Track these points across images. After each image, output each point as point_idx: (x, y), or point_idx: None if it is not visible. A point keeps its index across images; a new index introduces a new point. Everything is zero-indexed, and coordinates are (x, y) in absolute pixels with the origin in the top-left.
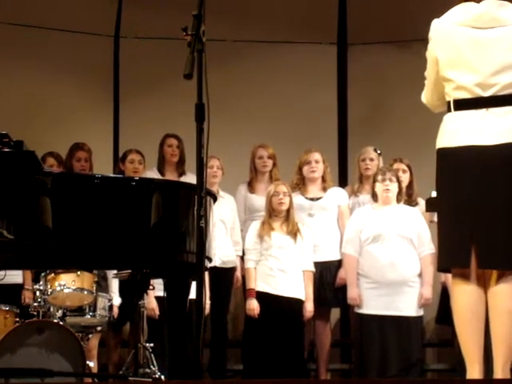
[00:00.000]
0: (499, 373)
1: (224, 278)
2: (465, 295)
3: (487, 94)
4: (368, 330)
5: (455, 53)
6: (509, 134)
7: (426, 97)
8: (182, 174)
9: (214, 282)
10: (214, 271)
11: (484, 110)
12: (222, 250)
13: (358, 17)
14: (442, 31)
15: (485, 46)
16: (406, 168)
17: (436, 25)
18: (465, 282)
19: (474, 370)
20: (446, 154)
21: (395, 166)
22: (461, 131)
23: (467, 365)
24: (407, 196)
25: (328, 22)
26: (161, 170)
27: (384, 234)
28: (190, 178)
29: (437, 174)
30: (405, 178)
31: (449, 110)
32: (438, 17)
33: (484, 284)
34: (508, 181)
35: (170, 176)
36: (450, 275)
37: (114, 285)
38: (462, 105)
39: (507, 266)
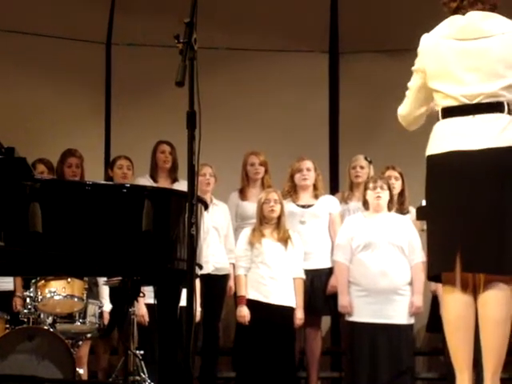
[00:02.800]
0: (488, 382)
1: (217, 285)
2: (455, 303)
3: (473, 101)
4: (359, 338)
5: (441, 65)
6: (495, 139)
7: (404, 108)
8: (174, 180)
9: (207, 288)
10: (207, 278)
11: (470, 116)
12: (215, 257)
13: (349, 26)
14: (429, 45)
15: (469, 57)
16: (398, 175)
17: (424, 39)
18: (455, 290)
19: (463, 378)
20: (434, 160)
21: (387, 173)
22: (448, 137)
23: (457, 372)
24: (399, 204)
25: (320, 31)
26: (153, 177)
27: (375, 242)
28: (183, 185)
29: (426, 181)
30: (397, 186)
31: (438, 119)
32: (429, 26)
33: (474, 292)
34: (494, 185)
35: (163, 183)
36: (440, 284)
37: (105, 291)
38: (449, 112)
39: (493, 269)
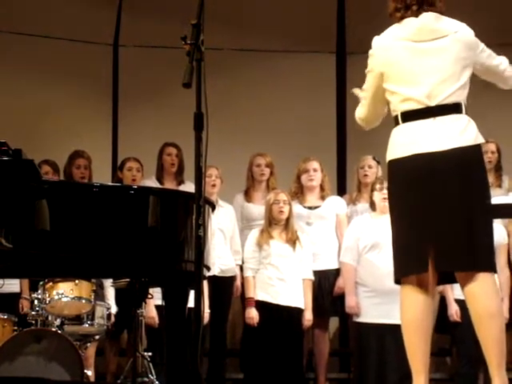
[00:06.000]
0: (496, 377)
1: (223, 286)
2: (414, 305)
3: (433, 103)
4: (366, 339)
5: (399, 67)
6: (457, 139)
7: (362, 112)
8: (180, 182)
9: (214, 290)
10: (214, 280)
11: (431, 119)
12: (221, 258)
13: (356, 26)
14: (384, 47)
15: (427, 57)
16: None
17: (377, 41)
18: (415, 292)
19: (420, 381)
20: (397, 165)
21: None
22: (410, 141)
23: (413, 375)
24: None
25: (327, 32)
26: (159, 179)
27: (382, 243)
28: (189, 187)
29: (390, 185)
30: None
31: (396, 123)
32: None
33: (433, 292)
34: (462, 183)
35: (169, 185)
36: (447, 285)
37: (111, 293)
38: (409, 116)
39: (466, 267)
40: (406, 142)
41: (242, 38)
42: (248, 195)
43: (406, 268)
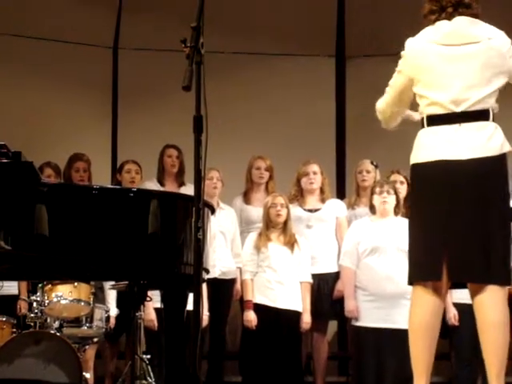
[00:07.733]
0: None
1: (223, 289)
2: (423, 311)
3: (459, 109)
4: (365, 343)
5: (427, 70)
6: (482, 148)
7: (382, 104)
8: (181, 184)
9: (214, 293)
10: (214, 282)
11: (457, 125)
12: (221, 261)
13: (356, 29)
14: (416, 49)
15: (456, 62)
16: (403, 179)
17: (410, 43)
18: (426, 294)
19: None
20: (420, 169)
21: (392, 177)
22: (435, 146)
23: (415, 377)
24: (405, 208)
25: (326, 35)
26: (161, 181)
27: (382, 247)
28: (190, 189)
29: (411, 189)
30: (402, 190)
31: (422, 126)
32: None
33: (443, 298)
34: (480, 194)
35: (170, 186)
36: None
37: (112, 296)
38: (435, 120)
39: (479, 279)
40: (430, 146)
41: (241, 41)
42: (247, 197)
43: (421, 274)
